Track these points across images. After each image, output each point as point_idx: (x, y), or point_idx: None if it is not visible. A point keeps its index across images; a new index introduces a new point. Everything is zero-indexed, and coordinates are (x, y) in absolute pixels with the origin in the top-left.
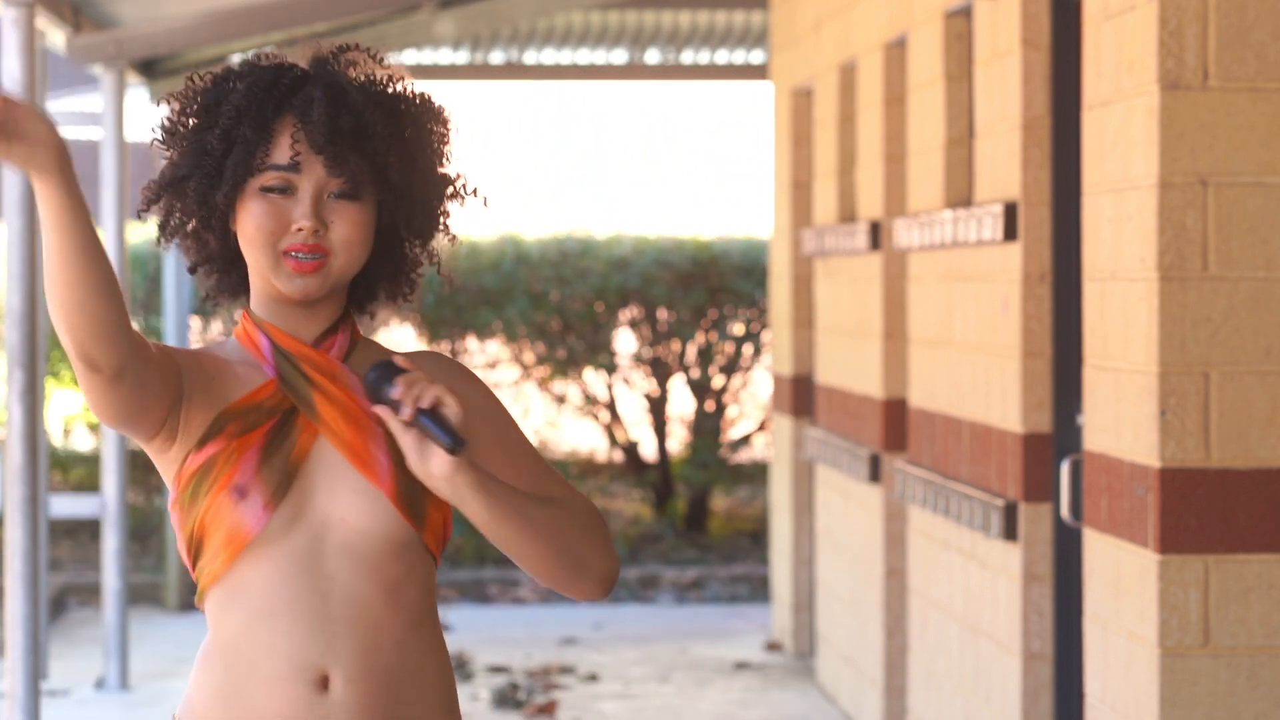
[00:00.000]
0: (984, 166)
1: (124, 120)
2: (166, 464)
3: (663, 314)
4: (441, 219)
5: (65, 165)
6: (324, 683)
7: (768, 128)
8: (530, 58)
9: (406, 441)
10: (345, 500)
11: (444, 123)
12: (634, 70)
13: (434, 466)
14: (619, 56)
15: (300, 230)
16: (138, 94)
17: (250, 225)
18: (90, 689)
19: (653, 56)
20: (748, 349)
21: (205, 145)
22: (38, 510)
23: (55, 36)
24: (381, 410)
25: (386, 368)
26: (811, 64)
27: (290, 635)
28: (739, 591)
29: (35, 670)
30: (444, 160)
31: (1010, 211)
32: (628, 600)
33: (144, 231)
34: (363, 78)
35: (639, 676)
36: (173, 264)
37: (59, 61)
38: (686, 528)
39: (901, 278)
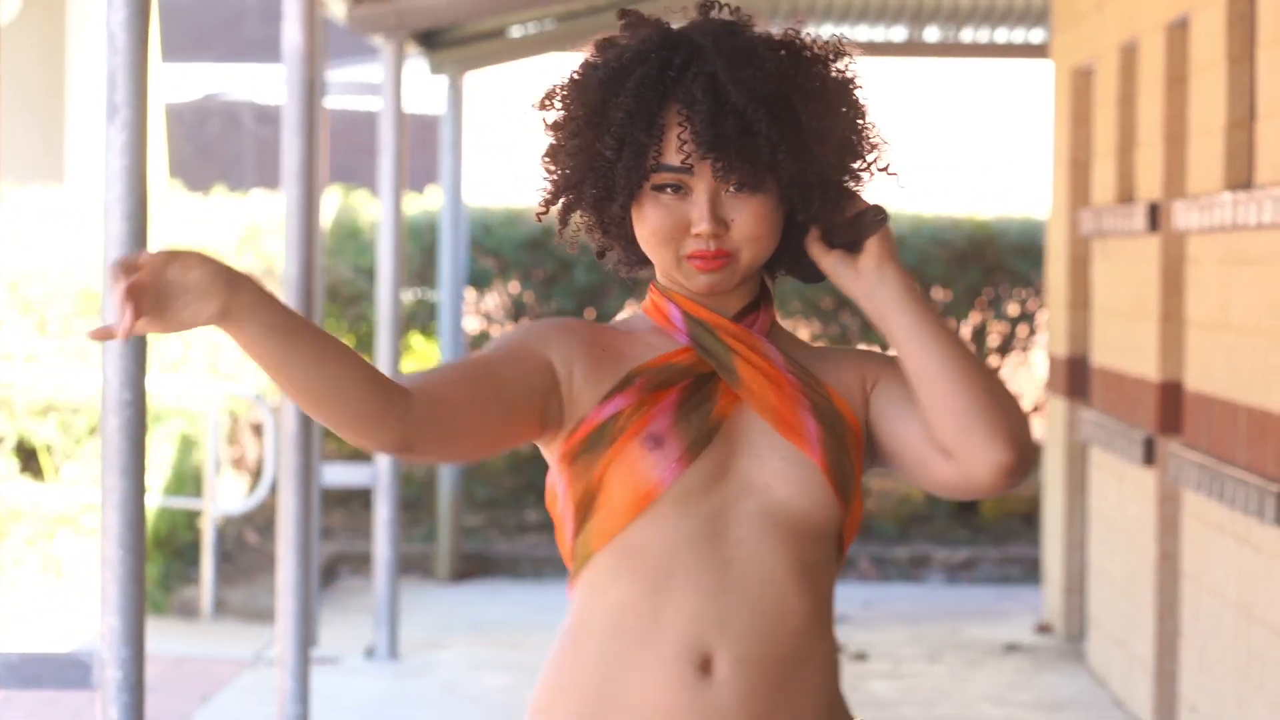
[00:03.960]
0: (1265, 149)
1: (402, 91)
2: (555, 446)
3: (938, 293)
4: (847, 186)
5: (244, 302)
6: (707, 665)
7: (1047, 107)
8: (808, 35)
9: (834, 258)
10: (773, 467)
11: (844, 86)
12: (913, 48)
13: (864, 257)
14: (898, 34)
15: (699, 235)
16: (417, 65)
17: (646, 229)
18: (360, 657)
19: (932, 34)
20: (1023, 329)
21: (596, 151)
22: (310, 479)
23: (336, 7)
24: (814, 240)
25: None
26: (1093, 43)
27: (682, 610)
28: (1010, 573)
29: (305, 638)
30: (851, 128)
31: None
32: (897, 579)
33: (421, 203)
34: (749, 56)
35: (908, 656)
36: (448, 236)
37: (339, 32)
38: (958, 508)
39: (1180, 259)
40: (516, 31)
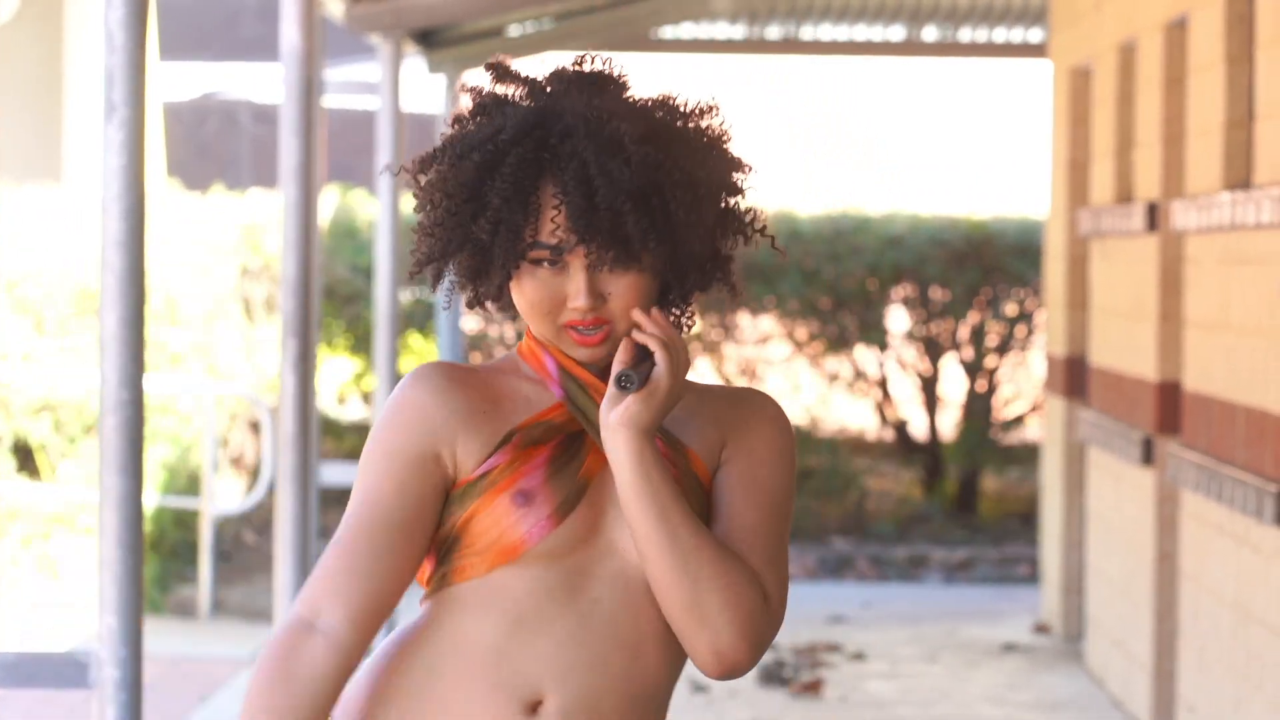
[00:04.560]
0: (1264, 149)
1: (400, 90)
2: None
3: (936, 292)
4: (723, 263)
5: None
6: (534, 708)
7: (1045, 107)
8: (807, 33)
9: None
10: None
11: (715, 141)
12: (911, 47)
13: (605, 401)
14: (896, 33)
15: (576, 309)
16: (415, 63)
17: (525, 302)
18: None
19: (930, 33)
20: (1021, 329)
21: (471, 231)
22: (309, 478)
23: (334, 6)
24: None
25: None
26: (1091, 43)
27: (526, 650)
28: (1008, 573)
29: None
30: (721, 188)
31: None
32: (895, 579)
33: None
34: (617, 148)
35: (907, 656)
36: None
37: (336, 31)
38: (956, 508)
39: (1178, 259)
40: (514, 30)
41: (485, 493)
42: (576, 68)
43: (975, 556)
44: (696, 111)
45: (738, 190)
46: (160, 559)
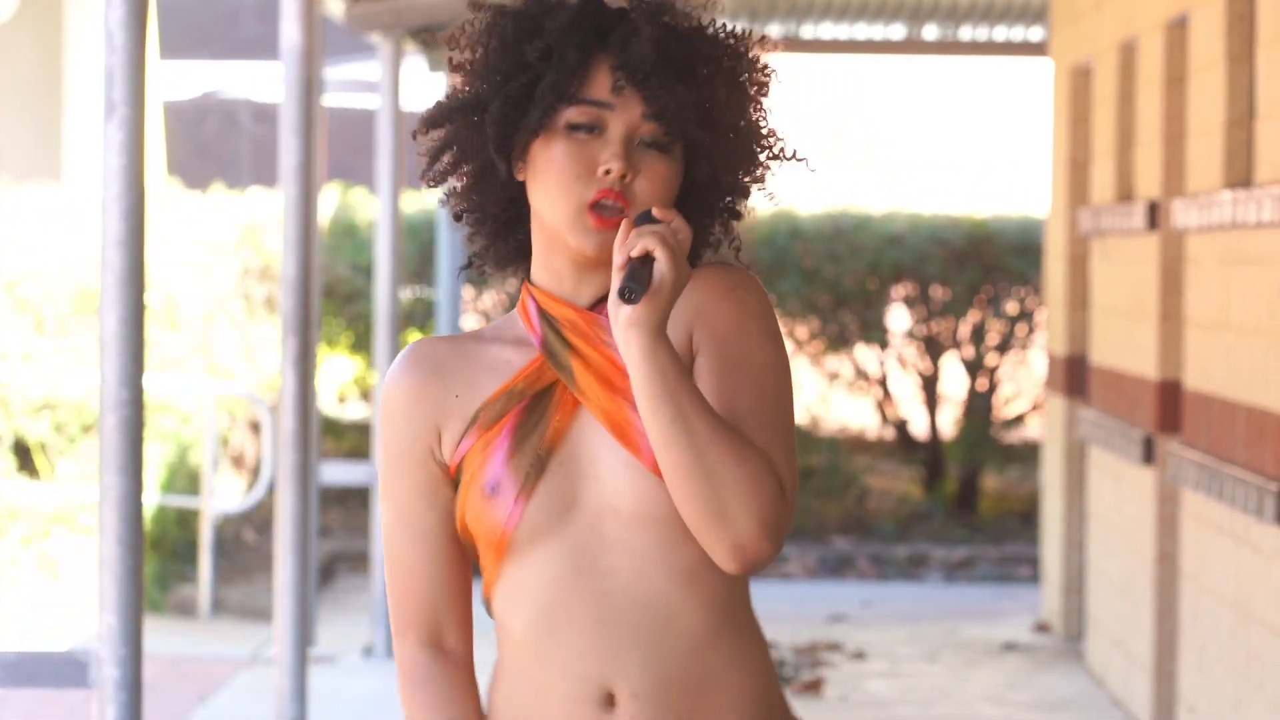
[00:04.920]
0: (1265, 147)
1: (400, 88)
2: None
3: (936, 291)
4: (759, 177)
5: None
6: (610, 701)
7: (1046, 105)
8: (808, 31)
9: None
10: (611, 485)
11: (766, 73)
12: (911, 45)
13: (611, 308)
14: (897, 31)
15: (609, 173)
16: (415, 62)
17: (552, 168)
18: (358, 656)
19: (931, 32)
20: (1021, 328)
21: (516, 64)
22: (308, 477)
23: (334, 5)
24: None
25: (646, 215)
26: (1092, 42)
27: (571, 646)
28: (1008, 572)
29: (303, 637)
30: (764, 115)
31: None
32: (895, 579)
33: (419, 201)
34: (682, 20)
35: (907, 656)
36: (446, 233)
37: (336, 30)
38: (956, 507)
39: (1179, 259)
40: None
41: (465, 489)
42: None
43: (975, 555)
44: (742, 31)
45: (767, 126)
46: (160, 558)
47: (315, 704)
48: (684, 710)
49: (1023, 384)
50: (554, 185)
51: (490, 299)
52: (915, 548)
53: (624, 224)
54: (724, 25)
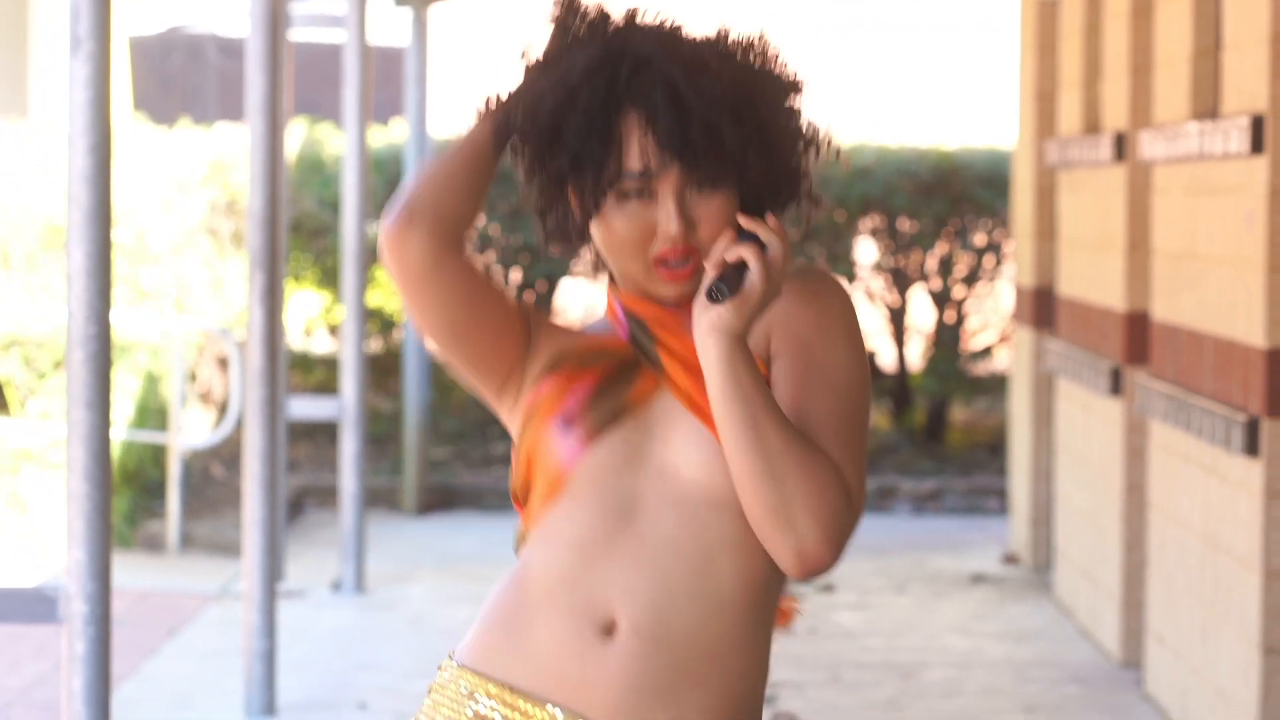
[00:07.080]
0: (1231, 78)
1: (367, 23)
2: (513, 422)
3: (904, 224)
4: (802, 178)
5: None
6: (610, 629)
7: (1012, 36)
8: None
9: (698, 299)
10: (680, 450)
11: (783, 72)
12: None
13: (696, 307)
14: None
15: (667, 237)
16: None
17: (613, 240)
18: (326, 591)
19: None
20: (989, 260)
21: (555, 174)
22: (276, 412)
23: None
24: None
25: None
26: None
27: (595, 573)
28: (976, 504)
29: (272, 572)
30: (792, 115)
31: (1257, 124)
32: (864, 510)
33: (385, 135)
34: (702, 65)
35: (875, 588)
36: (413, 169)
37: None
38: (924, 439)
39: (1146, 190)
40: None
41: (534, 421)
42: (629, 21)
43: (943, 487)
44: (748, 39)
45: (801, 108)
46: (129, 494)
47: (284, 638)
48: (675, 666)
49: (990, 316)
50: (617, 253)
51: None
52: (883, 480)
53: (727, 232)
54: (735, 42)
